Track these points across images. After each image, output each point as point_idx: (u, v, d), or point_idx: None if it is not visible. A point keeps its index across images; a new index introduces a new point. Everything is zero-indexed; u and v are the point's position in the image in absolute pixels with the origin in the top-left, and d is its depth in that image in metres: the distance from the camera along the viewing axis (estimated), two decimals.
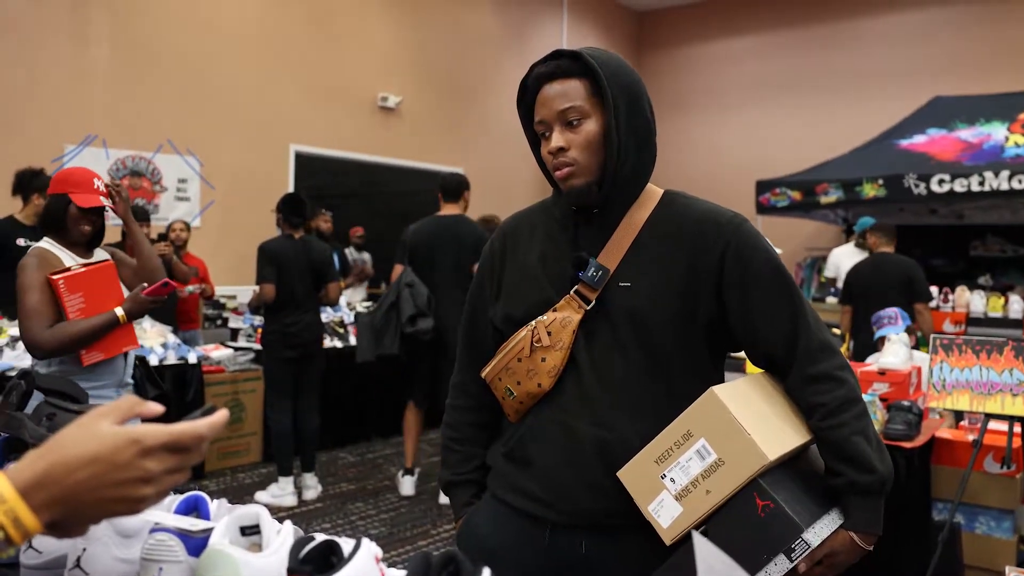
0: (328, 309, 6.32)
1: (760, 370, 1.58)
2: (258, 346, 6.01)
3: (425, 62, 9.57)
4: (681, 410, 1.40)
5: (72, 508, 0.72)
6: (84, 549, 0.88)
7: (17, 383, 1.20)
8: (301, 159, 8.46)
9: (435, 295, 4.94)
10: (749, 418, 1.35)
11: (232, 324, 6.78)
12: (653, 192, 1.56)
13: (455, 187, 5.19)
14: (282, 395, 5.12)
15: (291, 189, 8.28)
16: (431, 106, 9.66)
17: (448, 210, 5.19)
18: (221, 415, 0.79)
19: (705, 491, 1.35)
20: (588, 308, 1.48)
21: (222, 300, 7.22)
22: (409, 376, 5.21)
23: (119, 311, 2.82)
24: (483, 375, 1.59)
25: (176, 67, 7.32)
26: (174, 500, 0.93)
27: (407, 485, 5.33)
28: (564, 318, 1.48)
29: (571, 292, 1.49)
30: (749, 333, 1.49)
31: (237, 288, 7.61)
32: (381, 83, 9.09)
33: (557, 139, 1.47)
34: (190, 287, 6.19)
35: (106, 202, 2.92)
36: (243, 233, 7.74)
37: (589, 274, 1.47)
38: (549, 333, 1.48)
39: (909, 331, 4.61)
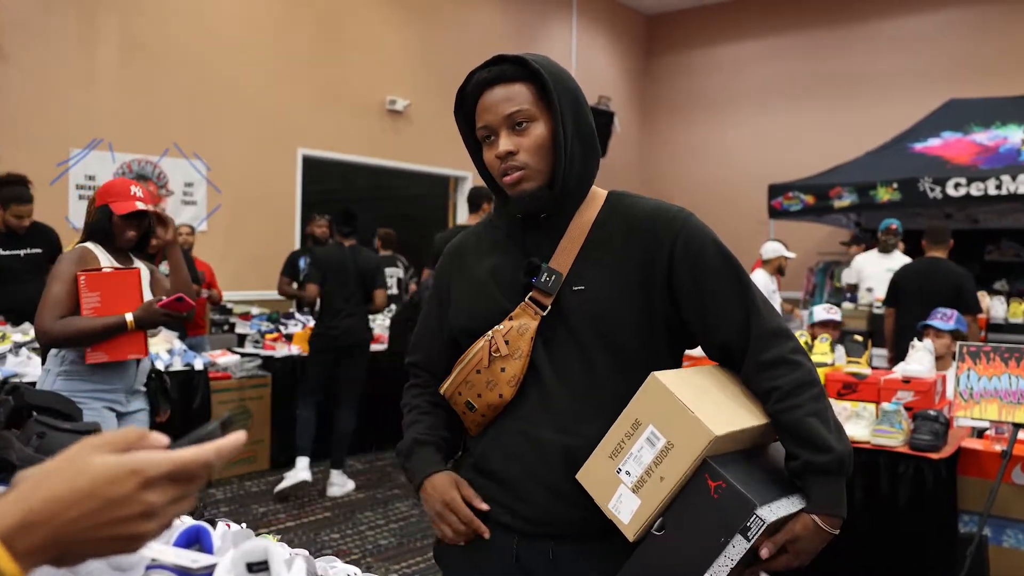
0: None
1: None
2: (265, 352, 6.08)
3: (434, 65, 9.50)
4: None
5: (64, 550, 0.64)
6: None
7: (5, 399, 1.11)
8: (309, 163, 8.39)
9: None
10: (692, 398, 1.35)
11: (239, 330, 6.69)
12: (598, 194, 1.56)
13: (474, 199, 5.65)
14: (310, 391, 5.48)
15: (299, 193, 8.23)
16: (440, 110, 9.57)
17: (470, 220, 5.71)
18: (235, 439, 0.71)
19: (659, 478, 1.34)
20: (544, 314, 1.47)
21: (229, 305, 7.14)
22: None
23: (128, 316, 2.91)
24: (442, 391, 1.59)
25: (183, 70, 7.26)
26: (173, 530, 0.84)
27: None
28: (521, 326, 1.48)
29: (525, 299, 1.49)
30: (702, 324, 1.49)
31: (244, 293, 7.54)
32: (389, 86, 9.03)
33: (505, 143, 1.46)
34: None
35: (141, 206, 3.02)
36: (250, 237, 7.68)
37: (542, 280, 1.47)
38: (507, 342, 1.47)
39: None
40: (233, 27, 7.63)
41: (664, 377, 1.37)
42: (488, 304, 1.53)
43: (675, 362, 1.56)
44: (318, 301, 5.52)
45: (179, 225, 6.63)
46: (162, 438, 0.70)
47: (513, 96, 1.46)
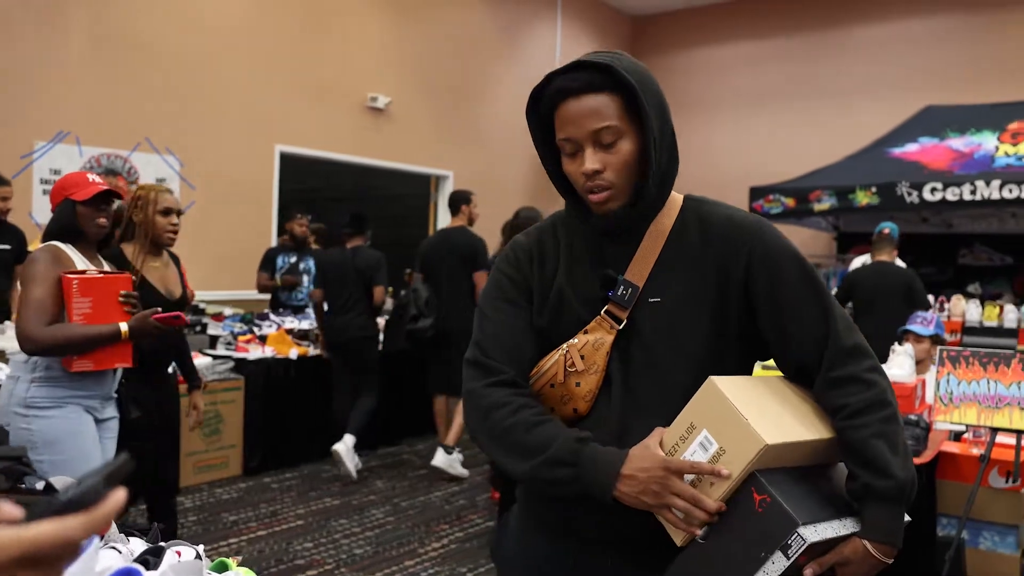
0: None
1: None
2: (238, 354, 5.96)
3: (416, 63, 9.41)
4: None
5: None
6: None
7: None
8: (287, 160, 8.25)
9: (440, 296, 5.80)
10: (748, 406, 1.33)
11: (211, 331, 6.57)
12: (675, 199, 1.51)
13: (454, 202, 6.02)
14: (335, 386, 6.07)
15: (276, 191, 8.11)
16: (422, 108, 9.50)
17: (452, 223, 6.03)
18: (113, 504, 0.60)
19: (709, 483, 1.33)
20: (620, 328, 1.43)
21: (201, 305, 7.02)
22: (424, 370, 6.17)
23: (123, 326, 2.79)
24: None
25: (155, 62, 7.10)
26: (104, 573, 0.77)
27: (439, 458, 5.83)
28: (597, 340, 1.44)
29: (601, 313, 1.45)
30: (779, 338, 1.44)
31: (217, 293, 7.42)
32: (371, 83, 8.93)
33: (592, 161, 1.39)
34: None
35: (104, 187, 2.91)
36: (225, 235, 7.55)
37: (618, 293, 1.43)
38: (582, 357, 1.44)
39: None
40: (210, 19, 7.48)
41: (721, 382, 1.34)
42: (564, 314, 1.49)
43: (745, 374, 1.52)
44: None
45: None
46: (14, 510, 0.59)
47: (600, 110, 1.38)
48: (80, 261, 2.88)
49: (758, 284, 1.42)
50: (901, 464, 1.34)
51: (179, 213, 3.40)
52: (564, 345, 1.46)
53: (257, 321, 6.66)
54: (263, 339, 6.23)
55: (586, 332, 1.45)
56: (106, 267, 3.02)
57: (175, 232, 3.36)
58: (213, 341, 6.31)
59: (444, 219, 9.75)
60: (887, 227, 6.79)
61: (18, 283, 2.95)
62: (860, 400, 1.36)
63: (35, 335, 2.66)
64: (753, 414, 1.31)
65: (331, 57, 8.50)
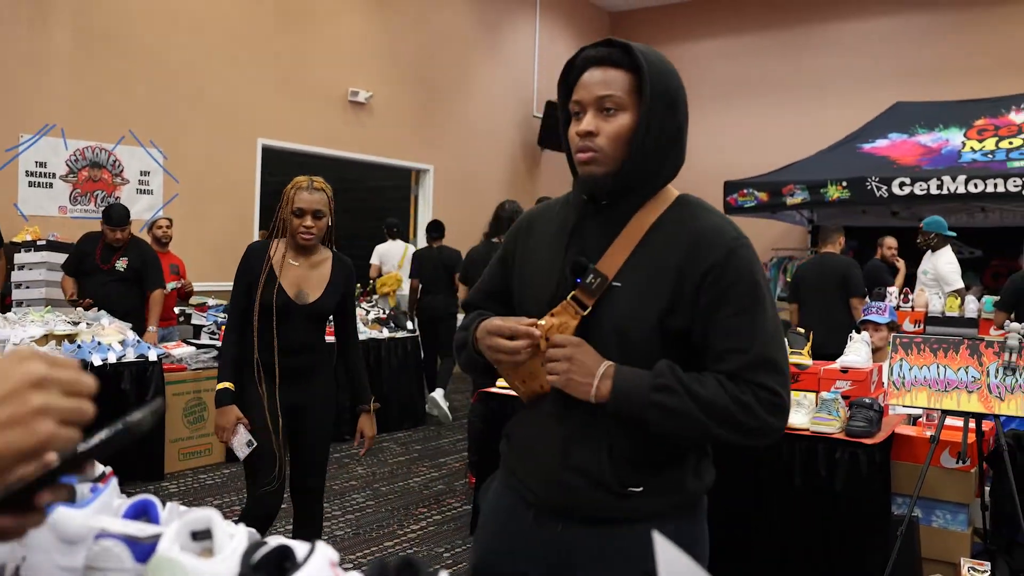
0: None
1: None
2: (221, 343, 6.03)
3: (397, 57, 9.49)
4: None
5: None
6: (24, 558, 0.85)
7: None
8: (268, 153, 8.33)
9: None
10: None
11: (195, 320, 6.67)
12: (668, 194, 1.56)
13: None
14: (426, 352, 7.69)
15: (258, 184, 8.19)
16: (402, 102, 9.59)
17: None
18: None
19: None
20: (584, 314, 1.49)
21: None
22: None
23: None
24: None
25: (139, 56, 7.16)
26: (122, 504, 0.90)
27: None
28: (562, 324, 1.49)
29: (568, 299, 1.50)
30: (705, 348, 1.48)
31: (201, 284, 7.50)
32: (352, 77, 9.00)
33: (588, 123, 1.48)
34: (171, 283, 6.21)
35: None
36: (208, 228, 7.63)
37: (587, 281, 1.49)
38: (547, 339, 1.49)
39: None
40: (192, 13, 7.54)
41: None
42: (537, 291, 1.58)
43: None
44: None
45: (157, 218, 6.70)
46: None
47: (610, 81, 1.47)
48: None
49: (705, 299, 1.45)
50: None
51: (316, 215, 3.11)
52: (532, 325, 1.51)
53: None
54: None
55: (553, 315, 1.50)
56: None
57: (308, 234, 3.10)
58: (197, 331, 6.41)
59: (424, 213, 9.86)
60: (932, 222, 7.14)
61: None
62: (719, 393, 1.42)
63: None
64: None
65: (313, 51, 8.56)
